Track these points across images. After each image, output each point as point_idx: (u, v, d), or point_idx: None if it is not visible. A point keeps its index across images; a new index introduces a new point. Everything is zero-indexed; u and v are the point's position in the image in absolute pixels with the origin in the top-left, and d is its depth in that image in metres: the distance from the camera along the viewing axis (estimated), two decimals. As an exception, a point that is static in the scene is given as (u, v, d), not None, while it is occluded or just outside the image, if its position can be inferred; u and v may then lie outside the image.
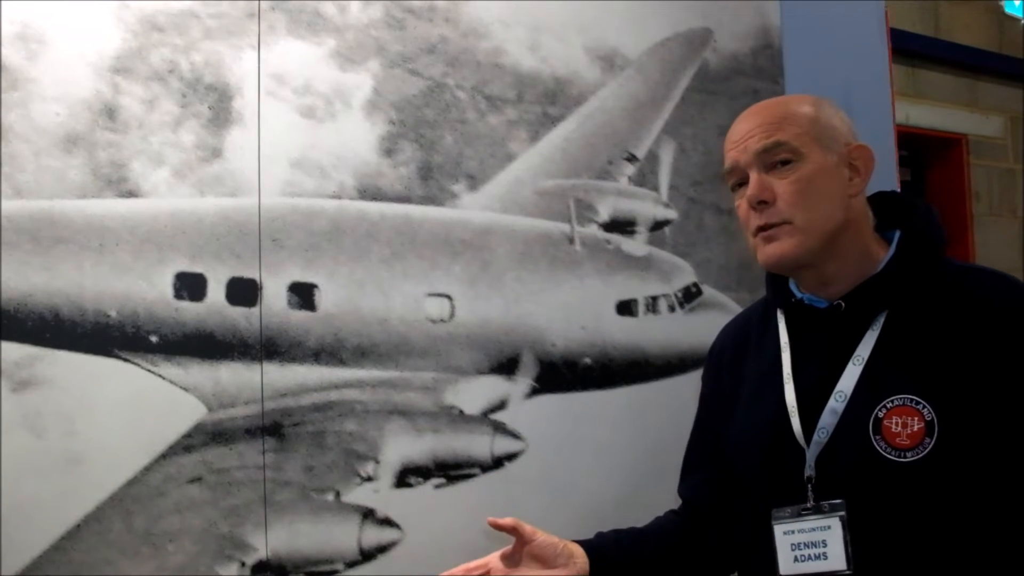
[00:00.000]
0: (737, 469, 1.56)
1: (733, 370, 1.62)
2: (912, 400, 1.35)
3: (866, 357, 1.42)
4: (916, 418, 1.35)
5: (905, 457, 1.34)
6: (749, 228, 1.49)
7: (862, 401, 1.39)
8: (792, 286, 1.53)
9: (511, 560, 1.57)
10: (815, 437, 1.42)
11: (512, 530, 1.55)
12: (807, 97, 1.52)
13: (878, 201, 1.53)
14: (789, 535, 1.42)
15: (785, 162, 1.44)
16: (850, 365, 1.42)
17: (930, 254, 1.45)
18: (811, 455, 1.42)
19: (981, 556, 1.33)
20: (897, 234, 1.49)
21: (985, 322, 1.36)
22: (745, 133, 1.47)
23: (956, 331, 1.37)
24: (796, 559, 1.41)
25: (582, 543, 1.60)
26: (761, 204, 1.45)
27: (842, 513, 1.38)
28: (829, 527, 1.38)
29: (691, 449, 1.72)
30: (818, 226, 1.43)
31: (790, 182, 1.43)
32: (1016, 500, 1.33)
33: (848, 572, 1.37)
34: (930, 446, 1.33)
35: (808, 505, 1.41)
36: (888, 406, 1.37)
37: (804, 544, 1.41)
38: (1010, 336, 1.34)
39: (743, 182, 1.48)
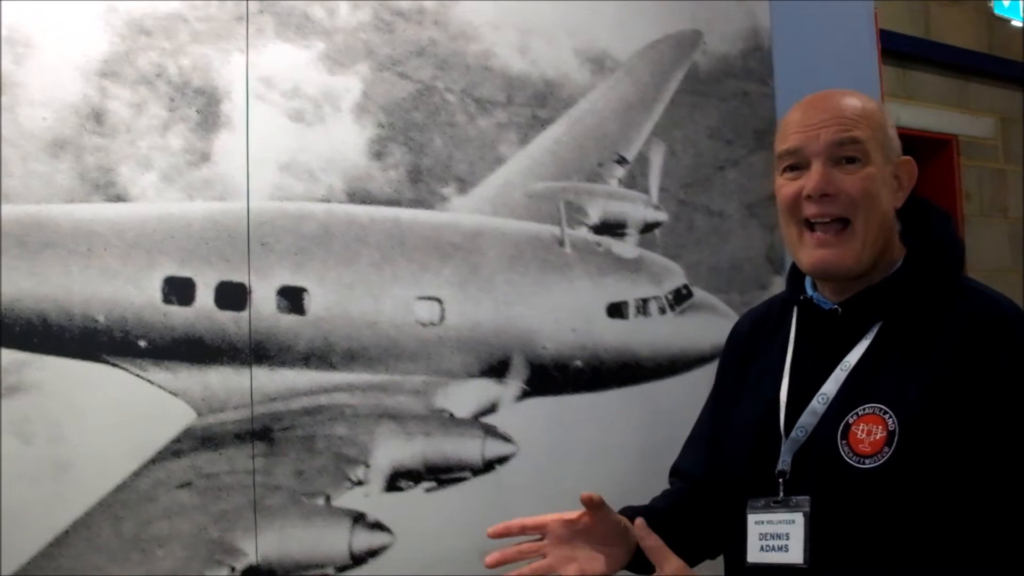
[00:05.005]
0: (727, 455, 1.58)
1: (744, 358, 1.64)
2: (880, 409, 1.37)
3: (852, 364, 1.43)
4: (880, 427, 1.36)
5: (864, 464, 1.36)
6: (794, 218, 1.46)
7: (840, 406, 1.41)
8: (808, 282, 1.54)
9: (569, 527, 1.53)
10: (793, 434, 1.44)
11: (600, 507, 1.50)
12: (874, 100, 1.50)
13: (904, 207, 1.52)
14: (759, 525, 1.45)
15: (852, 159, 1.42)
16: (837, 370, 1.44)
17: (933, 270, 1.45)
18: (786, 450, 1.44)
19: (931, 564, 1.33)
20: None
21: (962, 344, 1.36)
22: (818, 121, 1.44)
23: (936, 349, 1.37)
24: (762, 548, 1.44)
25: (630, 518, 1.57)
26: (824, 197, 1.42)
27: (806, 509, 1.40)
28: (793, 521, 1.41)
29: (697, 428, 1.74)
30: (874, 234, 1.43)
31: (858, 178, 1.41)
32: (967, 515, 1.33)
33: (804, 566, 1.39)
34: (887, 455, 1.35)
35: (778, 498, 1.44)
36: (859, 413, 1.39)
37: (770, 535, 1.43)
38: (981, 362, 1.34)
39: (797, 166, 1.45)
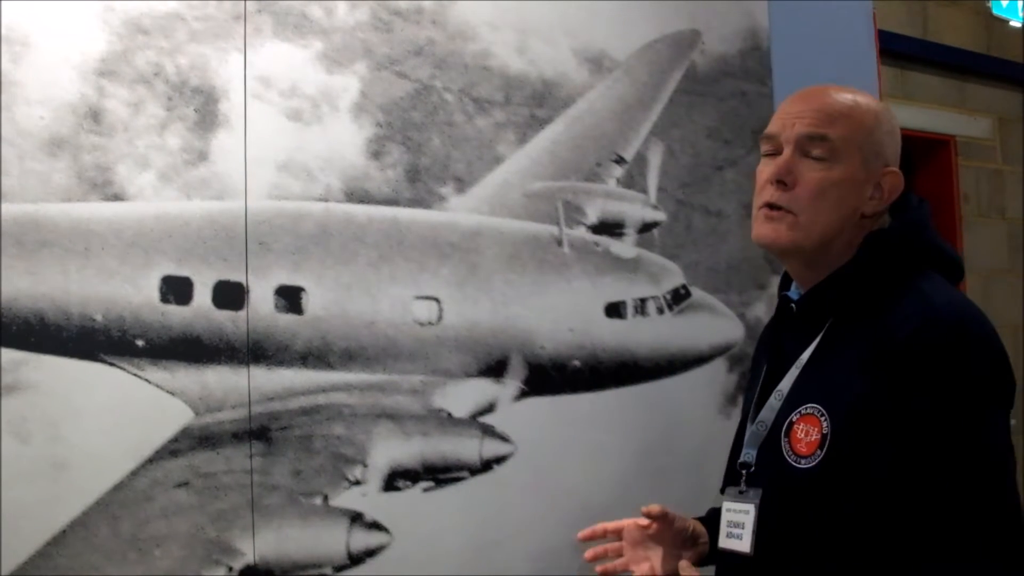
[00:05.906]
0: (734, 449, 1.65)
1: (758, 357, 1.69)
2: (818, 411, 1.41)
3: (804, 361, 1.47)
4: (816, 429, 1.40)
5: (801, 464, 1.40)
6: (759, 199, 1.48)
7: (789, 404, 1.46)
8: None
9: (642, 531, 1.65)
10: (754, 427, 1.50)
11: (663, 517, 1.61)
12: (879, 104, 1.50)
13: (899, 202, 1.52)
14: (728, 513, 1.51)
15: (822, 158, 1.43)
16: (793, 367, 1.48)
17: (876, 266, 1.44)
18: (748, 443, 1.50)
19: (865, 562, 1.36)
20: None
21: (892, 349, 1.35)
22: (800, 110, 1.46)
23: (872, 352, 1.37)
24: (727, 535, 1.51)
25: (704, 523, 1.69)
26: (780, 184, 1.45)
27: (757, 501, 1.46)
28: (748, 512, 1.47)
29: None
30: (818, 231, 1.44)
31: (818, 176, 1.43)
32: (896, 520, 1.34)
33: (750, 555, 1.45)
34: (819, 457, 1.38)
35: (742, 489, 1.50)
36: (802, 412, 1.43)
37: (733, 523, 1.50)
38: (908, 370, 1.34)
39: (774, 152, 1.48)
